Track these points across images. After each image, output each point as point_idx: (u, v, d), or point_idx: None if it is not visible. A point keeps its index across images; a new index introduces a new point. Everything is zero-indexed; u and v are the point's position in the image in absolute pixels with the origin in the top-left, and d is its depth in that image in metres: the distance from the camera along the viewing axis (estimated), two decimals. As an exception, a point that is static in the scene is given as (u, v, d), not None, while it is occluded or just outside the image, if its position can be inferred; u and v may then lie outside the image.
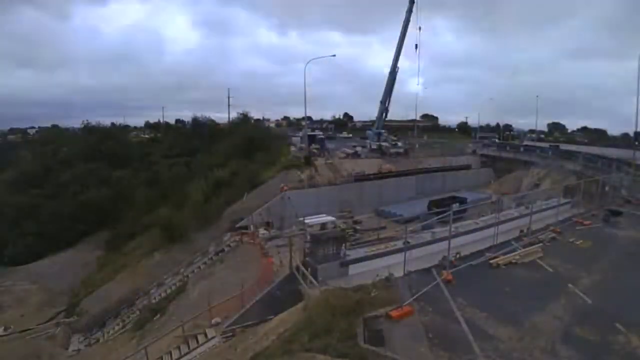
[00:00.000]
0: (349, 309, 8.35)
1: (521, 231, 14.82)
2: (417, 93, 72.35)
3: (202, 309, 15.67)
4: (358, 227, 25.68)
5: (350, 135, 69.96)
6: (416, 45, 40.72)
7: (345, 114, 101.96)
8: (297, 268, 12.32)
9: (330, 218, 21.04)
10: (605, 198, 19.08)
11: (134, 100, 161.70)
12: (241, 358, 9.17)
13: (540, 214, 16.73)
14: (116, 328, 21.15)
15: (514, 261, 11.92)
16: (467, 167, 41.68)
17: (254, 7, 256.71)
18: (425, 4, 39.95)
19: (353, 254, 12.54)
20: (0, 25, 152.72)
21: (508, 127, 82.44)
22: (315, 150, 38.11)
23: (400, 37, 40.88)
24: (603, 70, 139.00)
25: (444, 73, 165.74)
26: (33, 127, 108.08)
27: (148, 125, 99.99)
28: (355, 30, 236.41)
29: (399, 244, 13.12)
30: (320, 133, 50.68)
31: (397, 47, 41.31)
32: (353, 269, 11.74)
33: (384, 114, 44.93)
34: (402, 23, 40.73)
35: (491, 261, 11.80)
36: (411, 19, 40.08)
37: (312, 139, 40.71)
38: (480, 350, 7.28)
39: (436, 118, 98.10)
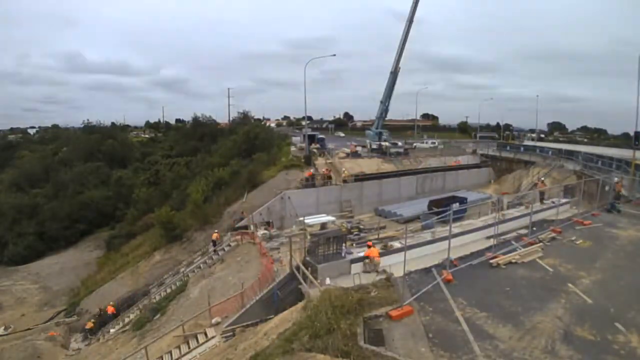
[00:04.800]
0: (349, 309, 8.35)
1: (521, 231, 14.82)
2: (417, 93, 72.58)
3: (202, 308, 15.70)
4: (361, 226, 25.67)
5: (343, 135, 76.58)
6: None
7: (346, 114, 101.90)
8: (298, 268, 12.32)
9: (330, 218, 21.06)
10: (606, 198, 19.07)
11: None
12: (241, 358, 9.17)
13: (540, 214, 16.74)
14: (116, 327, 21.17)
15: (514, 261, 11.91)
16: (476, 166, 41.83)
17: None
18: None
19: (353, 253, 12.55)
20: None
21: (508, 127, 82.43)
22: (315, 150, 38.11)
23: (402, 36, 40.85)
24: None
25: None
26: (33, 127, 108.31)
27: (148, 124, 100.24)
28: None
29: (399, 243, 13.13)
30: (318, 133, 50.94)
31: (399, 47, 41.25)
32: (354, 269, 11.75)
33: (383, 114, 44.97)
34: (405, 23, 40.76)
35: (491, 261, 11.80)
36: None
37: (312, 138, 40.71)
38: (480, 350, 7.28)
39: (436, 118, 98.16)
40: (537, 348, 7.42)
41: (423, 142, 55.21)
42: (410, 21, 40.22)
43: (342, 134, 79.26)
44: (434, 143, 54.10)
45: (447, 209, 12.03)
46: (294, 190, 28.46)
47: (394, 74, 42.02)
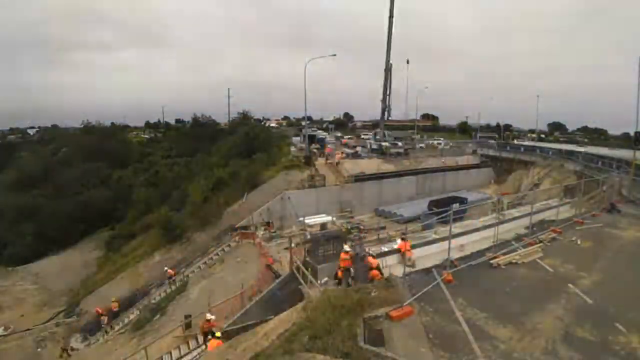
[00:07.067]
0: (349, 309, 8.33)
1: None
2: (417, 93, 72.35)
3: (202, 309, 15.68)
4: (361, 226, 25.69)
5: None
6: None
7: (346, 114, 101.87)
8: (298, 268, 12.31)
9: (330, 218, 21.08)
10: (606, 198, 19.06)
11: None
12: (241, 358, 9.15)
13: (541, 214, 16.72)
14: (116, 328, 21.15)
15: (514, 261, 11.89)
16: (476, 166, 41.85)
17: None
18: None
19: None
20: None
21: (508, 127, 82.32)
22: (315, 150, 38.10)
23: (387, 32, 40.67)
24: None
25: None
26: (33, 127, 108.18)
27: (148, 125, 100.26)
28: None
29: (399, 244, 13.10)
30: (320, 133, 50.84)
31: (387, 44, 41.05)
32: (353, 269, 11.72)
33: (385, 113, 44.91)
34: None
35: (491, 261, 11.77)
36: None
37: (312, 138, 40.69)
38: (481, 351, 7.26)
39: (436, 118, 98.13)
40: (538, 349, 7.40)
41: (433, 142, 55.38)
42: (390, 16, 40.01)
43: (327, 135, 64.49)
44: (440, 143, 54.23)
45: (448, 209, 12.01)
46: (294, 191, 28.45)
47: (388, 70, 41.87)
